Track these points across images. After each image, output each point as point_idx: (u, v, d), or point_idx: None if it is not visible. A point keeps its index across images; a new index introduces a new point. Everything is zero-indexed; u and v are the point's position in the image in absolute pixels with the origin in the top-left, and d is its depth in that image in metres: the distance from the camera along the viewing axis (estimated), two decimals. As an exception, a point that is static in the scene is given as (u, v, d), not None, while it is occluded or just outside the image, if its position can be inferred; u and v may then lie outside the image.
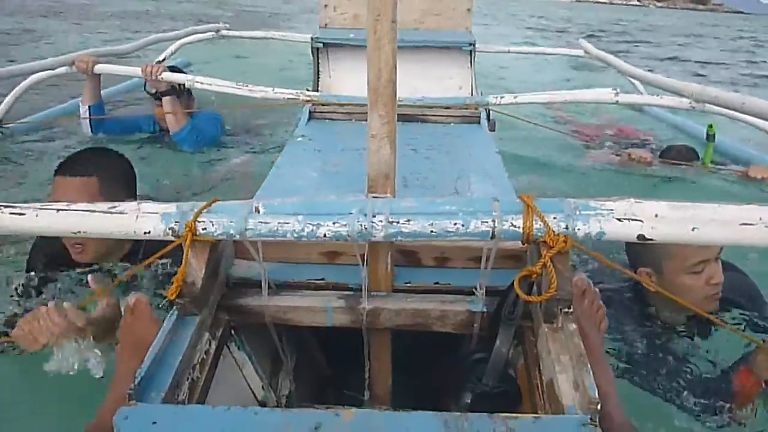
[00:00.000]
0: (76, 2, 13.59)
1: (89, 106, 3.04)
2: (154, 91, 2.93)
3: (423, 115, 2.15)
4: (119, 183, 1.58)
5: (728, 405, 1.23)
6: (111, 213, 0.89)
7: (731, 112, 2.18)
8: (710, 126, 2.94)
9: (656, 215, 0.81)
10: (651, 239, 0.82)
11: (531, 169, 3.02)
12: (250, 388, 1.12)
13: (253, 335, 1.10)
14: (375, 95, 0.89)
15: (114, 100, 3.90)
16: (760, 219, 0.79)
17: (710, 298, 1.36)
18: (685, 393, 1.27)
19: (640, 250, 1.44)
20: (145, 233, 0.87)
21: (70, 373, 1.16)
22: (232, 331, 1.04)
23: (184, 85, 2.82)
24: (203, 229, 0.86)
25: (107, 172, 1.54)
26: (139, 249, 1.56)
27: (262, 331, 1.06)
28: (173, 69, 2.96)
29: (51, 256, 1.58)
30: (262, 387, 1.14)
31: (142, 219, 0.88)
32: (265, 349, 1.17)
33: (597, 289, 0.98)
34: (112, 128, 3.15)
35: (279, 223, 0.84)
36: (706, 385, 1.29)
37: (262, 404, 1.14)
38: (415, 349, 1.29)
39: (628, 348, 1.39)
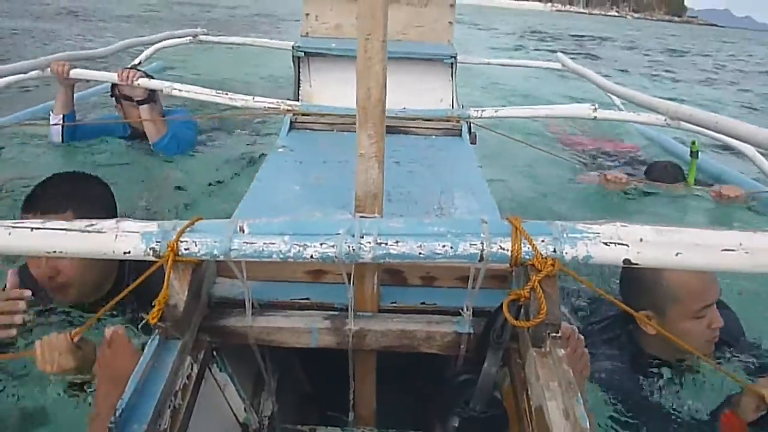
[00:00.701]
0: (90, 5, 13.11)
1: (63, 116, 2.90)
2: (132, 97, 2.84)
3: (405, 126, 2.15)
4: (98, 213, 1.38)
5: None
6: (89, 231, 0.85)
7: (705, 130, 2.23)
8: (693, 143, 2.92)
9: (641, 239, 0.82)
10: (636, 263, 0.82)
11: (513, 184, 3.02)
12: (232, 410, 1.09)
13: (235, 355, 1.08)
14: (364, 114, 0.88)
15: (83, 103, 3.77)
16: (740, 245, 0.81)
17: (709, 342, 1.33)
18: None
19: (639, 291, 1.36)
20: (124, 253, 0.85)
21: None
22: (214, 353, 1.01)
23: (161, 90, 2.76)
24: (186, 249, 0.83)
25: (83, 203, 1.36)
26: (120, 284, 1.43)
27: (244, 351, 1.04)
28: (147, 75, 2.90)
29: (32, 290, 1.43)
30: (244, 408, 1.11)
31: (122, 238, 0.85)
32: (246, 370, 1.14)
33: (581, 336, 0.97)
34: (83, 136, 3.02)
35: (264, 243, 0.83)
36: (692, 427, 1.28)
37: (244, 426, 1.11)
38: (399, 367, 1.28)
39: (614, 387, 1.36)
